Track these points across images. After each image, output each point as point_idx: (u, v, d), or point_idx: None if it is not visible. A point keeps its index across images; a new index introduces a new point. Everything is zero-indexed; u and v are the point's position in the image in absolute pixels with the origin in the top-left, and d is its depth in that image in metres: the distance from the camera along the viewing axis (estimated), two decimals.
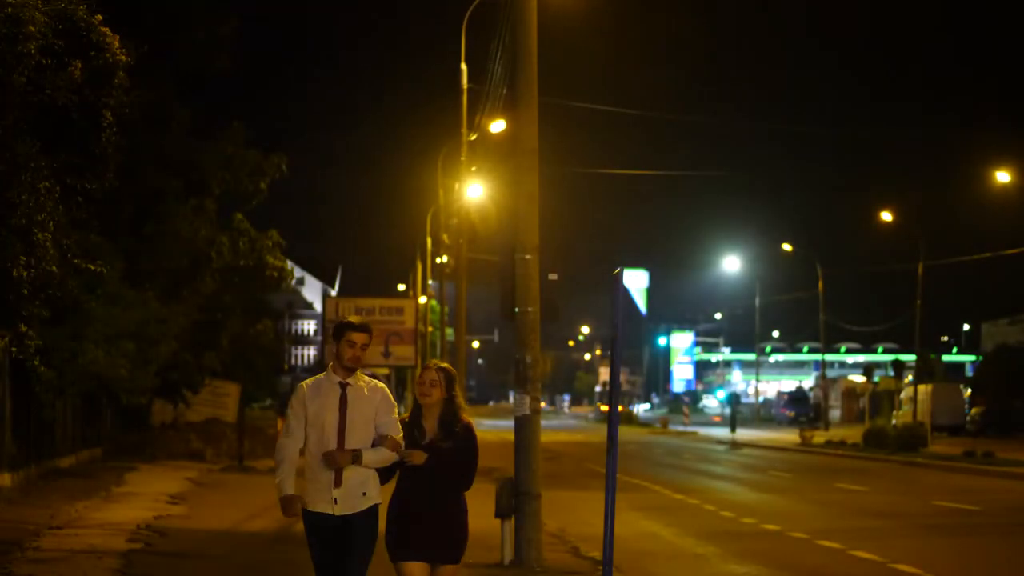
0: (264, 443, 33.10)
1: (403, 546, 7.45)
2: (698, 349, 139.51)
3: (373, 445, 7.43)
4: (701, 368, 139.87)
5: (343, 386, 7.45)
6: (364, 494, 7.38)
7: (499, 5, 22.35)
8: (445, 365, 7.77)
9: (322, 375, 7.55)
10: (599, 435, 61.05)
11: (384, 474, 7.51)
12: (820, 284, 63.74)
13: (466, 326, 33.05)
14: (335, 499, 7.33)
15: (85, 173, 12.88)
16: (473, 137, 30.39)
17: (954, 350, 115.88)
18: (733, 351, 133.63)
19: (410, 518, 7.43)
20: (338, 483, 7.31)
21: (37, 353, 16.58)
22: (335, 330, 7.55)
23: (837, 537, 16.04)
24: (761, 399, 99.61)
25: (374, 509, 7.43)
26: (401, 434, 7.46)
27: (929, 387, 51.64)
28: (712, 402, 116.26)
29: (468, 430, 7.59)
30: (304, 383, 7.59)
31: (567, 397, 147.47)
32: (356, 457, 7.33)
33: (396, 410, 7.53)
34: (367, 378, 7.54)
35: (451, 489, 7.53)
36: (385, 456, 7.41)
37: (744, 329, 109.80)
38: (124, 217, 23.65)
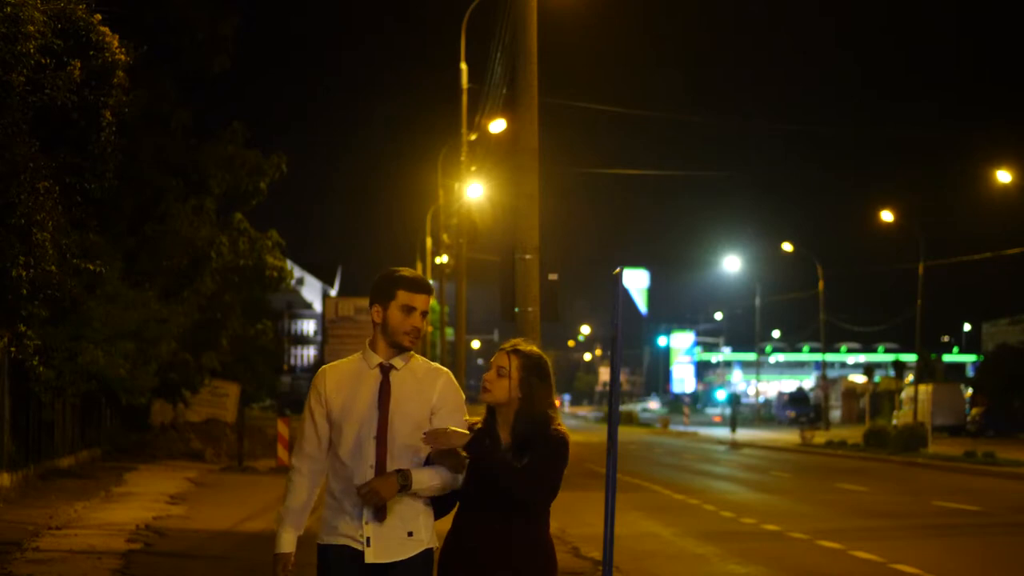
0: (264, 443, 33.12)
1: None
2: (698, 349, 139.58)
3: (427, 463, 4.99)
4: (701, 368, 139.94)
5: (385, 369, 5.01)
6: (410, 535, 4.97)
7: (499, 5, 22.35)
8: (526, 347, 5.17)
9: (356, 355, 5.11)
10: (599, 435, 61.05)
11: (441, 505, 5.10)
12: (820, 284, 63.73)
13: (466, 326, 33.06)
14: (367, 539, 4.93)
15: (84, 173, 12.87)
16: (473, 137, 30.41)
17: (955, 350, 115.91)
18: (733, 351, 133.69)
19: (467, 563, 5.02)
20: (379, 517, 4.93)
21: (36, 353, 16.56)
22: (379, 288, 5.05)
23: (838, 537, 16.02)
24: (761, 399, 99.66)
25: (426, 557, 5.03)
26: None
27: (930, 387, 51.68)
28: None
29: (554, 439, 5.01)
30: (326, 367, 5.15)
31: (567, 397, 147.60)
32: (404, 483, 4.88)
33: (464, 409, 5.12)
34: (421, 359, 5.11)
35: (520, 517, 4.99)
36: (445, 481, 4.96)
37: (744, 329, 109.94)
38: (123, 217, 23.63)
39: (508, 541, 4.95)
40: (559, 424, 5.09)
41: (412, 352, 5.08)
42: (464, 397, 5.16)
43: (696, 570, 13.73)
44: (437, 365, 5.12)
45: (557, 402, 5.16)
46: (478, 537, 4.97)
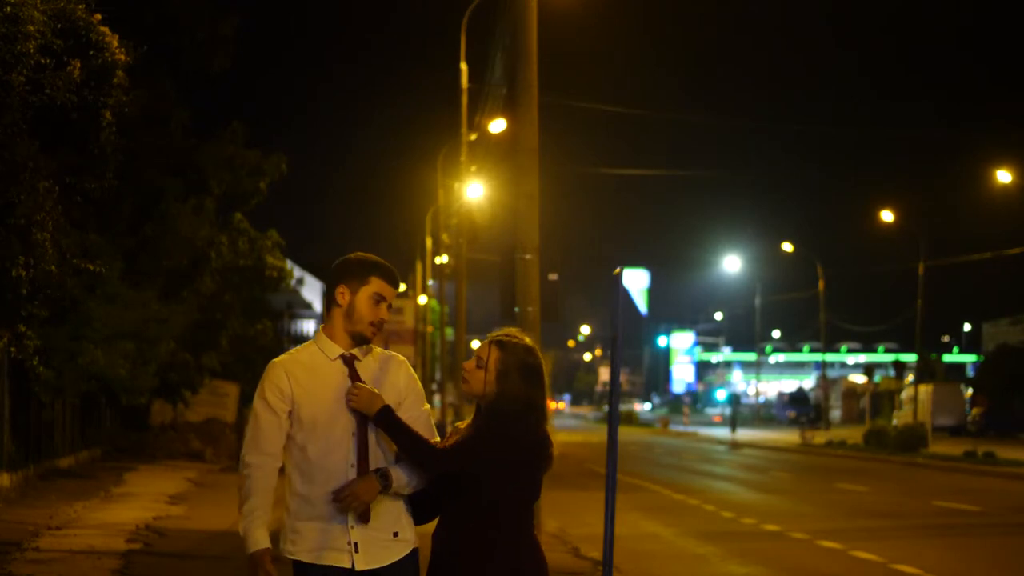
0: None
1: None
2: (698, 349, 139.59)
3: (397, 461, 4.70)
4: (702, 368, 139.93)
5: (348, 361, 4.68)
6: (395, 535, 4.68)
7: (499, 5, 22.36)
8: (512, 339, 4.79)
9: (308, 346, 4.75)
10: (599, 435, 61.08)
11: (422, 508, 4.80)
12: (820, 284, 63.70)
13: (466, 326, 33.04)
14: (355, 545, 4.62)
15: (84, 173, 12.87)
16: (473, 137, 30.41)
17: (955, 350, 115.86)
18: (734, 351, 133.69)
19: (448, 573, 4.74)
20: (364, 519, 4.62)
21: (36, 353, 16.55)
22: (349, 269, 4.74)
23: (838, 537, 16.02)
24: (761, 399, 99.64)
25: (413, 557, 4.74)
26: (437, 439, 4.73)
27: (930, 387, 51.65)
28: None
29: (512, 428, 4.66)
30: (281, 361, 4.71)
31: (567, 397, 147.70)
32: (386, 483, 4.60)
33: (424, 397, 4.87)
34: (379, 348, 4.80)
35: (495, 523, 4.68)
36: (422, 477, 4.69)
37: (744, 329, 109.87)
38: (123, 217, 23.62)
39: (486, 550, 4.65)
40: (540, 425, 4.71)
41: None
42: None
43: (696, 570, 13.73)
44: (391, 352, 4.84)
45: (554, 404, 4.94)
46: (461, 547, 4.67)
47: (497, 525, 4.68)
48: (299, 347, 4.78)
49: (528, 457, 4.71)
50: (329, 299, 4.76)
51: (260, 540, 4.61)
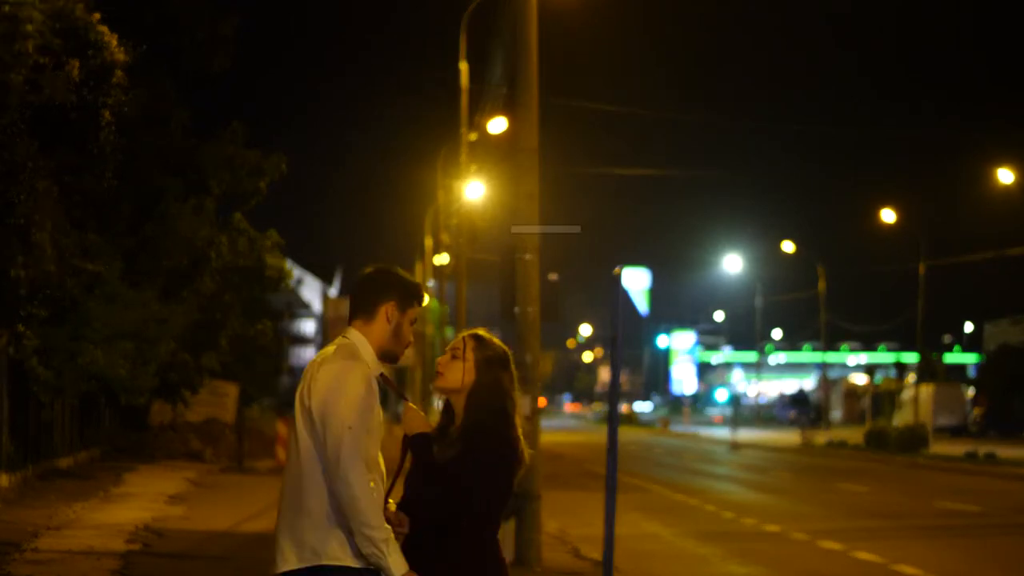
0: (263, 444, 33.12)
1: None
2: (699, 349, 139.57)
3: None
4: (702, 369, 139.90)
5: (384, 379, 4.58)
6: None
7: (500, 5, 22.34)
8: (488, 336, 4.77)
9: (359, 356, 4.46)
10: (599, 435, 61.05)
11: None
12: (821, 284, 63.66)
13: (466, 326, 33.03)
14: None
15: (83, 173, 12.87)
16: (473, 137, 30.40)
17: (956, 350, 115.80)
18: (734, 351, 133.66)
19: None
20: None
21: (35, 353, 16.54)
22: (404, 288, 4.54)
23: (838, 538, 16.01)
24: (762, 400, 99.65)
25: None
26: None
27: (931, 387, 51.65)
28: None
29: (505, 442, 4.57)
30: (363, 364, 4.48)
31: (568, 397, 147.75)
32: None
33: None
34: None
35: (439, 531, 4.54)
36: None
37: (745, 329, 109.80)
38: (123, 217, 23.60)
39: (479, 550, 4.60)
40: (515, 426, 4.61)
41: None
42: None
43: (696, 570, 13.71)
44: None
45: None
46: (459, 550, 4.57)
47: (491, 525, 4.66)
48: (346, 351, 4.47)
49: (512, 455, 4.65)
50: (362, 305, 4.54)
51: (403, 562, 4.38)
